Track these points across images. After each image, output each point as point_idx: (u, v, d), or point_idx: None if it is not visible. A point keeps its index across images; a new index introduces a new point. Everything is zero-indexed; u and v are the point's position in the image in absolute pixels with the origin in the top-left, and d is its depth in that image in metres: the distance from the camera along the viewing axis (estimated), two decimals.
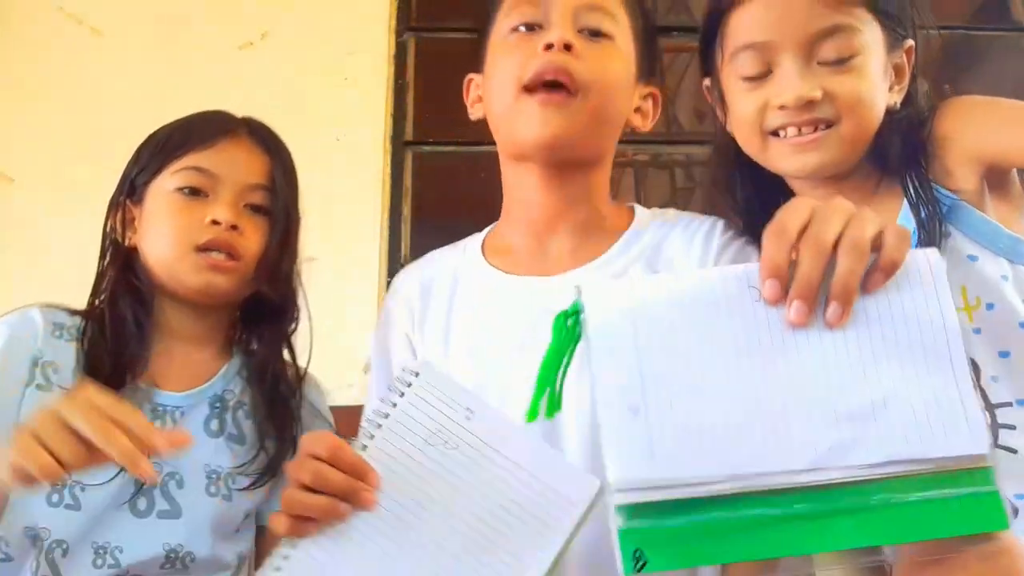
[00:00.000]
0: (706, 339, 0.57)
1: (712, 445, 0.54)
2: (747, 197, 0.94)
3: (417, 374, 0.68)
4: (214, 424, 1.00)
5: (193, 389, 1.01)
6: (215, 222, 0.96)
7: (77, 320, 0.99)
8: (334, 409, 1.21)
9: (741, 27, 0.85)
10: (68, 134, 1.91)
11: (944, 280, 0.56)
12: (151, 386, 0.98)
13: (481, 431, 0.66)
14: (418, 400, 0.67)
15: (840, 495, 0.54)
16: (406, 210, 1.94)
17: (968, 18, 2.56)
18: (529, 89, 0.86)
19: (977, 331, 0.80)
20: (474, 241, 1.01)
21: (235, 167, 1.02)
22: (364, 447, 0.66)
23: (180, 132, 1.04)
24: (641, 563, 0.52)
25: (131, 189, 1.03)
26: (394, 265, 1.86)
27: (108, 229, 1.04)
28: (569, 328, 0.59)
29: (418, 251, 1.92)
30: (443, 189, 2.47)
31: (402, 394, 0.67)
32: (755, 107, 0.84)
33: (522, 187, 0.94)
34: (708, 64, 0.93)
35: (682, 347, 0.57)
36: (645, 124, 0.98)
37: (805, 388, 0.56)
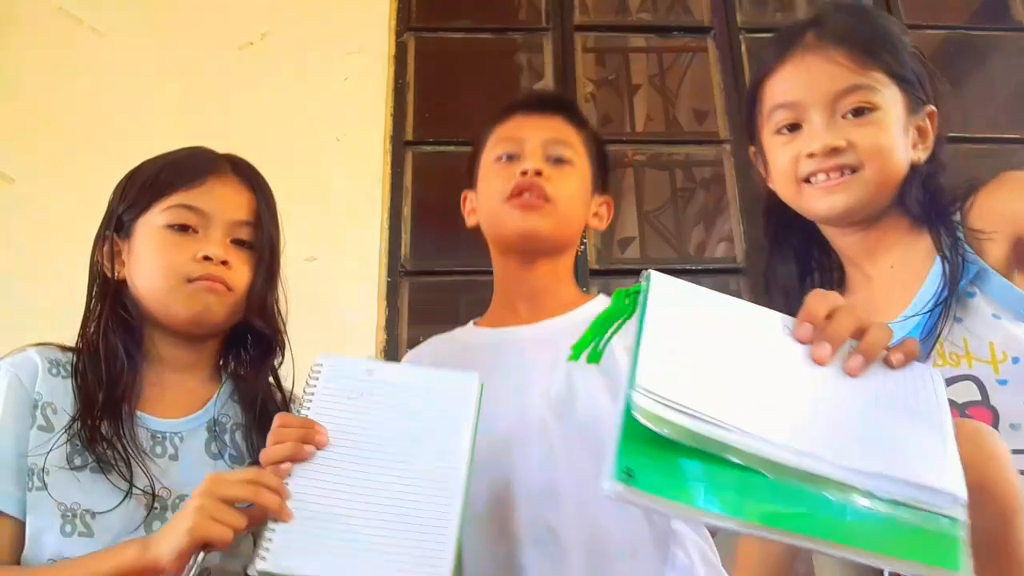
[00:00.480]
0: (743, 340, 0.69)
1: (729, 403, 0.62)
2: (795, 245, 1.09)
3: (321, 364, 0.90)
4: (214, 447, 1.04)
5: (191, 415, 1.04)
6: (207, 258, 1.01)
7: (70, 356, 1.02)
8: None
9: (775, 90, 1.01)
10: (68, 134, 1.91)
11: (939, 377, 0.69)
12: (147, 414, 1.01)
13: (380, 378, 0.90)
14: (331, 375, 0.89)
15: (826, 487, 0.59)
16: (406, 210, 1.93)
17: (968, 18, 2.57)
18: (510, 199, 1.12)
19: (1003, 382, 0.90)
20: (467, 325, 1.24)
21: (223, 204, 1.05)
22: (303, 414, 0.87)
23: (169, 170, 1.07)
24: (630, 478, 0.57)
25: (118, 224, 1.06)
26: (394, 265, 1.86)
27: (95, 262, 1.07)
28: (627, 304, 0.71)
29: (418, 251, 1.93)
30: (443, 189, 2.46)
31: (318, 376, 0.89)
32: (789, 157, 0.98)
33: (506, 273, 1.19)
34: (752, 131, 1.08)
35: (721, 338, 0.69)
36: (601, 225, 1.24)
37: (816, 401, 0.65)
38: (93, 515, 0.93)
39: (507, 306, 1.20)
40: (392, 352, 1.78)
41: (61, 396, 0.99)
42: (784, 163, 0.99)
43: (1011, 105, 2.64)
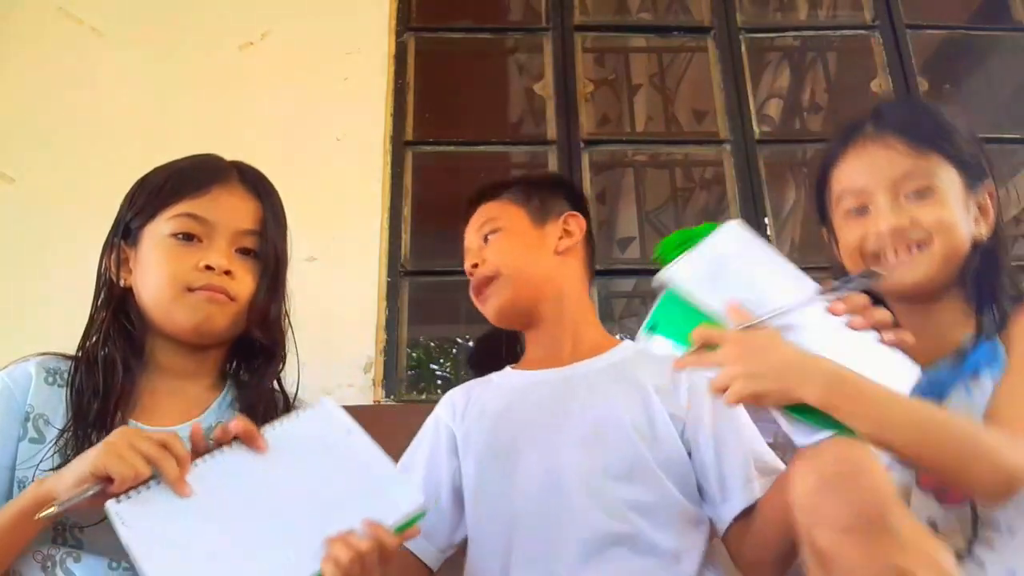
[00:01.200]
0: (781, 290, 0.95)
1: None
2: None
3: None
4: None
5: (187, 422, 1.03)
6: (209, 267, 1.01)
7: (69, 365, 1.02)
8: None
9: (841, 177, 1.11)
10: (68, 134, 1.91)
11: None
12: (141, 423, 1.00)
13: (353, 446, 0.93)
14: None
15: None
16: (406, 210, 1.93)
17: (968, 18, 2.56)
18: (478, 295, 1.31)
19: None
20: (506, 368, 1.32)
21: (228, 213, 1.06)
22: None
23: (175, 179, 1.07)
24: (654, 328, 0.96)
25: (126, 231, 1.07)
26: (394, 265, 1.86)
27: (103, 269, 1.07)
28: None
29: (418, 251, 1.93)
30: (443, 189, 2.46)
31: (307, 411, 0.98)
32: (858, 236, 1.07)
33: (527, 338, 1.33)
34: (823, 215, 1.17)
35: (750, 273, 0.98)
36: (570, 241, 1.31)
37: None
38: (81, 528, 0.92)
39: (537, 347, 1.29)
40: (392, 352, 1.78)
41: (54, 407, 0.99)
42: (853, 240, 1.08)
43: (1011, 105, 2.64)
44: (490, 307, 1.27)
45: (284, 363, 1.12)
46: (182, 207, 1.04)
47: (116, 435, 0.85)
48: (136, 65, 1.99)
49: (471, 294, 1.31)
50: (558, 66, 2.13)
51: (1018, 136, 2.24)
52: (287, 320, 1.13)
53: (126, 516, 0.82)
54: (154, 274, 1.03)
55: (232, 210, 1.06)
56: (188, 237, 1.03)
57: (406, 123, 2.03)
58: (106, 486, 0.82)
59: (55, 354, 1.05)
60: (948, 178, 1.05)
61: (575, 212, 1.33)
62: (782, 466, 1.07)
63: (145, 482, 0.84)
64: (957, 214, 1.04)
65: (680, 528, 1.06)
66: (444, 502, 1.18)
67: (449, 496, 1.19)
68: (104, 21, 2.03)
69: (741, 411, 1.11)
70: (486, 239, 1.30)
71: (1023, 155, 2.44)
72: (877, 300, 1.08)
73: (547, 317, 1.26)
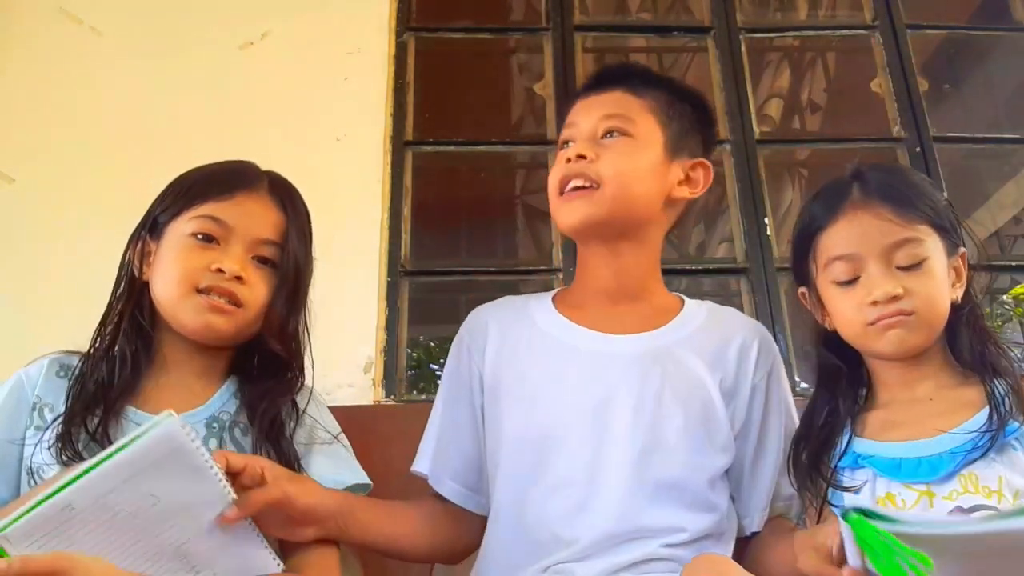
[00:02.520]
0: None
1: None
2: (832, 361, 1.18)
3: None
4: (212, 444, 1.04)
5: (186, 413, 1.04)
6: (219, 270, 1.02)
7: (81, 359, 1.05)
8: (334, 409, 1.22)
9: (831, 243, 1.10)
10: (68, 134, 1.91)
11: None
12: (142, 411, 1.02)
13: (85, 504, 0.82)
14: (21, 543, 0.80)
15: None
16: (406, 210, 1.93)
17: (968, 18, 2.56)
18: (561, 192, 1.14)
19: None
20: (543, 296, 1.24)
21: (249, 219, 1.07)
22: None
23: (204, 180, 1.09)
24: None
25: (153, 225, 1.09)
26: (394, 265, 1.86)
27: (126, 260, 1.09)
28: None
29: (418, 251, 1.93)
30: (443, 189, 2.47)
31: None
32: (854, 306, 1.08)
33: (584, 258, 1.20)
34: (802, 276, 1.17)
35: None
36: (695, 190, 1.19)
37: None
38: None
39: (586, 293, 1.18)
40: (392, 352, 1.78)
41: (57, 396, 1.01)
42: (850, 312, 1.08)
43: (1011, 105, 2.64)
44: (574, 215, 1.13)
45: (302, 380, 1.13)
46: (205, 208, 1.06)
47: None
48: (136, 65, 1.99)
49: (552, 184, 1.15)
50: (558, 66, 2.13)
51: (1018, 136, 2.24)
52: (306, 334, 1.14)
53: (16, 539, 0.79)
54: (167, 270, 1.04)
55: (254, 217, 1.07)
56: (207, 238, 1.05)
57: (406, 123, 2.03)
58: None
59: (72, 352, 1.07)
60: (935, 246, 1.08)
61: (706, 160, 1.20)
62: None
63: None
64: (942, 283, 1.07)
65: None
66: (480, 448, 1.17)
67: (480, 442, 1.17)
68: (104, 21, 2.03)
69: (781, 435, 1.16)
70: (607, 134, 1.14)
71: (1023, 155, 2.44)
72: (856, 355, 1.14)
73: (624, 255, 1.15)
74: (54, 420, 0.99)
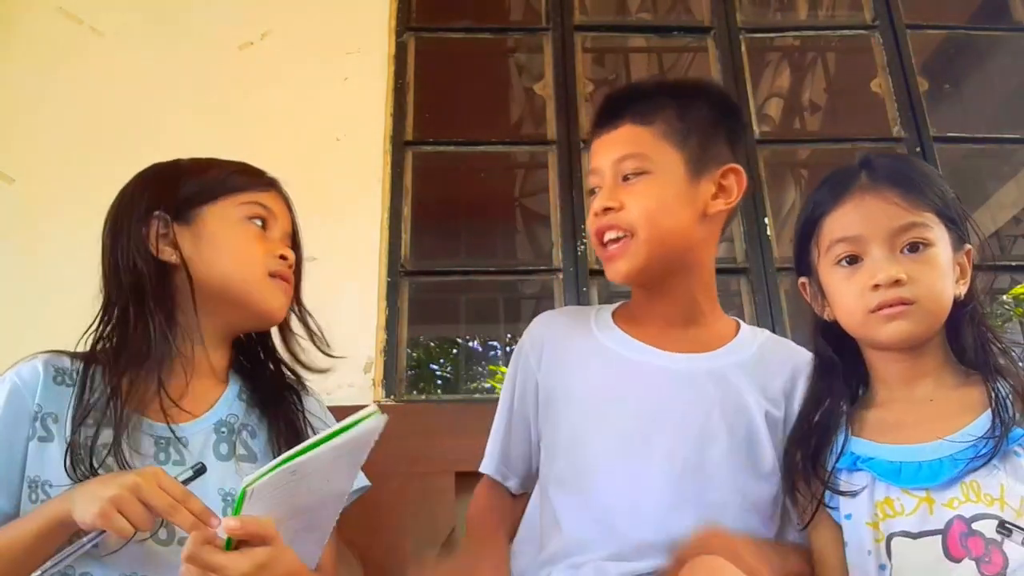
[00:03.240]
0: None
1: None
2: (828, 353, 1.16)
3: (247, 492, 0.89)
4: (223, 448, 1.04)
5: (197, 418, 1.05)
6: (283, 257, 1.10)
7: (79, 364, 1.02)
8: (334, 409, 1.22)
9: (836, 226, 1.08)
10: (68, 134, 1.91)
11: None
12: (152, 420, 1.02)
13: (304, 471, 0.90)
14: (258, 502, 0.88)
15: None
16: (406, 210, 1.93)
17: (968, 18, 2.56)
18: (602, 243, 1.14)
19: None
20: (604, 309, 1.25)
21: (281, 212, 1.14)
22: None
23: (242, 173, 1.13)
24: None
25: (175, 210, 1.07)
26: (394, 265, 1.86)
27: (137, 248, 1.04)
28: None
29: (418, 251, 1.93)
30: (443, 189, 2.47)
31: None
32: (856, 290, 1.06)
33: (639, 295, 1.22)
34: (803, 265, 1.15)
35: None
36: (729, 201, 1.16)
37: None
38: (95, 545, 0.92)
39: (643, 315, 1.19)
40: (392, 352, 1.78)
41: (62, 405, 0.99)
42: (851, 296, 1.07)
43: (1011, 105, 2.64)
44: (617, 272, 1.13)
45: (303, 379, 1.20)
46: (252, 196, 1.10)
47: (132, 483, 0.86)
48: (136, 65, 1.99)
49: (591, 235, 1.16)
50: (558, 66, 2.13)
51: (1018, 136, 2.24)
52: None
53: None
54: (236, 251, 1.07)
55: (284, 211, 1.15)
56: (262, 225, 1.10)
57: (406, 123, 2.03)
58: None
59: (62, 352, 1.04)
60: (940, 236, 1.06)
61: (736, 165, 1.17)
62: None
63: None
64: (946, 274, 1.05)
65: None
66: (532, 446, 1.22)
67: (533, 441, 1.22)
68: (104, 21, 2.03)
69: None
70: (626, 177, 1.13)
71: (1023, 155, 2.44)
72: (854, 349, 1.12)
73: (675, 288, 1.16)
74: (72, 433, 0.96)
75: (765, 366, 1.17)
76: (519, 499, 1.26)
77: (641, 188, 1.11)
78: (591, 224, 1.15)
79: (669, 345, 1.15)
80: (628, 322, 1.19)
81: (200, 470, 0.94)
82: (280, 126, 1.91)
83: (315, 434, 1.09)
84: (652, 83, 1.22)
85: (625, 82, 3.11)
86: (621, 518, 1.05)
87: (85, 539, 0.87)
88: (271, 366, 1.16)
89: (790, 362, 1.19)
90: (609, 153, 1.14)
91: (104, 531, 0.86)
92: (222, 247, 1.06)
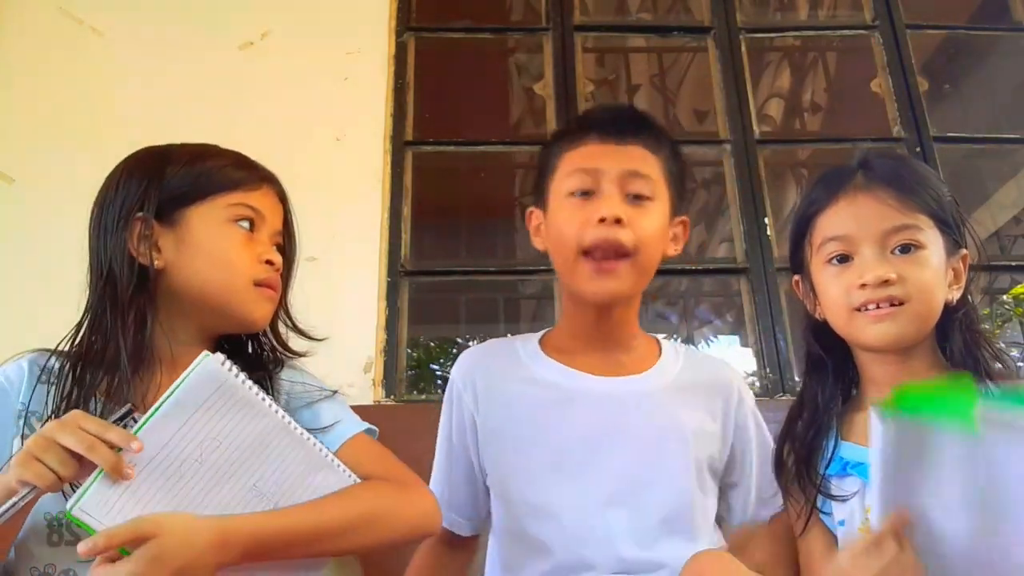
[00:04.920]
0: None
1: None
2: (832, 367, 1.15)
3: None
4: None
5: None
6: (270, 262, 1.05)
7: (62, 363, 1.00)
8: None
9: (828, 224, 1.08)
10: (68, 134, 1.91)
11: None
12: (129, 413, 0.96)
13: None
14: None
15: None
16: (406, 210, 1.93)
17: (968, 18, 2.57)
18: (587, 252, 1.09)
19: None
20: (529, 338, 1.24)
21: (272, 211, 1.09)
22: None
23: (229, 169, 1.07)
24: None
25: (156, 208, 1.02)
26: (394, 265, 1.86)
27: (124, 248, 1.01)
28: None
29: (418, 251, 1.93)
30: (443, 189, 2.47)
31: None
32: (842, 288, 1.05)
33: (577, 313, 1.18)
34: (798, 263, 1.15)
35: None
36: (677, 249, 1.19)
37: None
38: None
39: (577, 340, 1.18)
40: (392, 352, 1.78)
41: (44, 404, 0.97)
42: (837, 293, 1.06)
43: (1011, 105, 2.64)
44: (609, 288, 1.09)
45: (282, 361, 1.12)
46: (238, 196, 1.04)
47: (48, 428, 0.83)
48: (136, 65, 1.99)
49: (575, 239, 1.09)
50: (558, 66, 2.14)
51: (1018, 136, 2.24)
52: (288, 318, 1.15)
53: (92, 511, 0.81)
54: (216, 258, 1.01)
55: (274, 208, 1.09)
56: (249, 227, 1.05)
57: (406, 123, 2.03)
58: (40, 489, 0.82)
59: (47, 350, 1.02)
60: (933, 239, 1.04)
61: (686, 218, 1.21)
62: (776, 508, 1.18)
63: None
64: (937, 276, 1.04)
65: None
66: (478, 485, 1.21)
67: (478, 479, 1.21)
68: (104, 21, 2.03)
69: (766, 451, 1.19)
70: (634, 198, 1.11)
71: (1023, 155, 2.44)
72: (845, 349, 1.12)
73: (619, 314, 1.16)
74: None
75: (695, 382, 1.18)
76: (470, 541, 1.25)
77: (647, 212, 1.11)
78: (585, 226, 1.09)
79: (601, 370, 1.15)
80: (557, 350, 1.19)
81: (128, 412, 0.89)
82: (280, 126, 1.91)
83: (302, 397, 1.08)
84: (655, 119, 1.22)
85: (625, 82, 3.11)
86: (577, 540, 1.07)
87: (16, 497, 0.82)
88: (252, 352, 1.12)
89: (718, 374, 1.21)
90: (618, 163, 1.11)
91: (34, 487, 0.81)
92: (206, 253, 1.01)
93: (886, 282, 1.01)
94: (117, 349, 0.97)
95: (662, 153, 1.15)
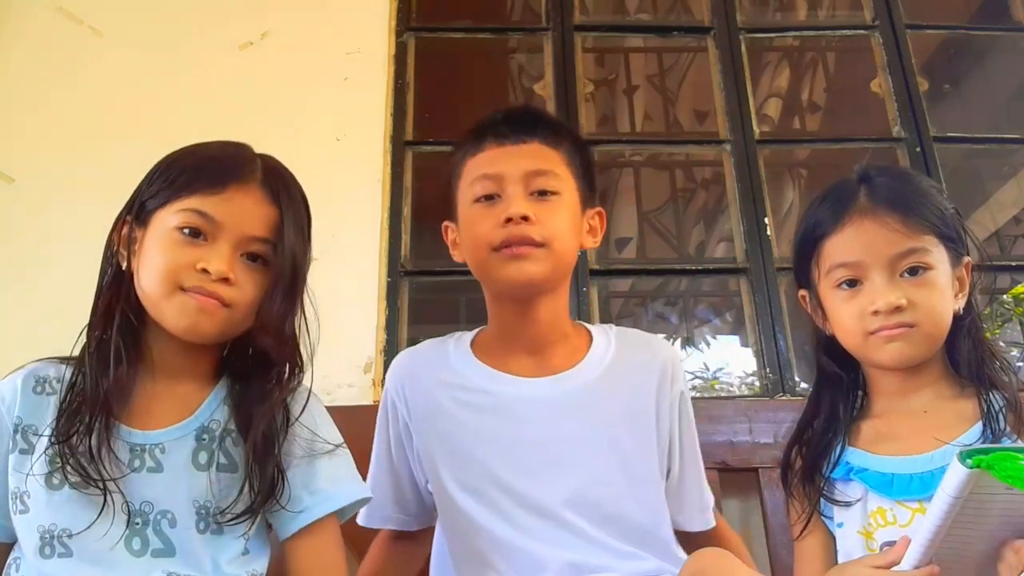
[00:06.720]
0: None
1: None
2: (844, 379, 1.17)
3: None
4: (202, 457, 0.99)
5: (176, 424, 0.99)
6: (205, 271, 0.96)
7: (64, 371, 0.99)
8: (333, 409, 1.21)
9: (835, 250, 1.09)
10: (68, 134, 1.91)
11: None
12: (128, 427, 0.97)
13: None
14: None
15: None
16: (406, 210, 1.93)
17: (968, 18, 2.56)
18: (500, 250, 1.10)
19: None
20: (462, 339, 1.23)
21: (239, 217, 0.99)
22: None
23: (193, 170, 1.01)
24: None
25: (140, 210, 1.01)
26: (394, 265, 1.86)
27: (111, 247, 1.02)
28: None
29: (418, 251, 1.93)
30: (443, 189, 2.46)
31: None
32: (855, 314, 1.07)
33: (502, 314, 1.18)
34: (803, 279, 1.16)
35: None
36: (596, 241, 1.21)
37: None
38: (70, 535, 0.91)
39: (505, 342, 1.18)
40: (392, 352, 1.78)
41: (42, 415, 0.97)
42: (849, 318, 1.08)
43: (1011, 105, 2.64)
44: (526, 271, 1.09)
45: (299, 379, 1.06)
46: (193, 201, 0.98)
47: None
48: (136, 65, 1.99)
49: (486, 240, 1.11)
50: (558, 66, 2.14)
51: (1018, 136, 2.24)
52: (305, 329, 1.07)
53: None
54: (152, 264, 0.97)
55: (244, 214, 0.99)
56: (194, 233, 0.97)
57: (406, 123, 2.03)
58: None
59: (49, 359, 1.02)
60: (940, 257, 1.06)
61: (602, 209, 1.22)
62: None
63: None
64: (945, 295, 1.05)
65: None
66: (411, 492, 1.21)
67: (414, 484, 1.21)
68: (104, 21, 2.03)
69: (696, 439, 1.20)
70: (539, 194, 1.12)
71: (1023, 155, 2.44)
72: (855, 361, 1.13)
73: (548, 305, 1.16)
74: (49, 443, 0.93)
75: (626, 366, 1.17)
76: (420, 534, 1.25)
77: (553, 206, 1.12)
78: (494, 229, 1.10)
79: (531, 371, 1.15)
80: (488, 353, 1.19)
81: None
82: (280, 126, 1.91)
83: (305, 447, 1.03)
84: (551, 114, 1.25)
85: (625, 82, 3.11)
86: (516, 551, 1.07)
87: None
88: (258, 365, 1.05)
89: (651, 353, 1.20)
90: (519, 164, 1.12)
91: None
92: (146, 258, 0.98)
93: (898, 308, 1.03)
94: (110, 354, 0.96)
95: (562, 147, 1.16)
